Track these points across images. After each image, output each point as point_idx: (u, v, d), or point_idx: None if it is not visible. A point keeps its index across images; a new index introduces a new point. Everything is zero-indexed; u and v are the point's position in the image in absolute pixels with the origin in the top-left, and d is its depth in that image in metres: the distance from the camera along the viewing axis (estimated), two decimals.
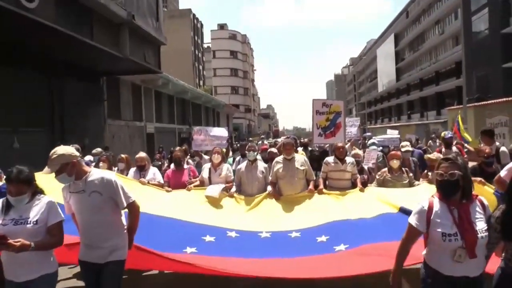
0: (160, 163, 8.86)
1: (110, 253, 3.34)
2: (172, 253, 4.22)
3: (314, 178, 6.15)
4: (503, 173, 4.55)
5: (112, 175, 3.47)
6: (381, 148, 10.31)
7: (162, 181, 6.53)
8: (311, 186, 5.82)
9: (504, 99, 16.78)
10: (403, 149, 7.03)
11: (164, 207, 5.33)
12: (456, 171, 2.72)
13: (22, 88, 12.21)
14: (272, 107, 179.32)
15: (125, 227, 3.52)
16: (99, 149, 8.82)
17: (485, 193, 4.13)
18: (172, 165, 7.41)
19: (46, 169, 3.24)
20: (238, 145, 14.62)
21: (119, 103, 20.72)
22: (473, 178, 4.45)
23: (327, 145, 9.77)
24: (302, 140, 14.13)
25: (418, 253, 2.98)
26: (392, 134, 14.30)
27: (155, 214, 5.03)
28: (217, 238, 4.74)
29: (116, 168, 6.84)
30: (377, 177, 6.35)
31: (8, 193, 3.09)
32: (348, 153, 6.88)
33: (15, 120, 11.88)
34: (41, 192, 3.23)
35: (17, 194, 3.05)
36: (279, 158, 6.12)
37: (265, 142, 16.92)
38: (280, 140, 14.43)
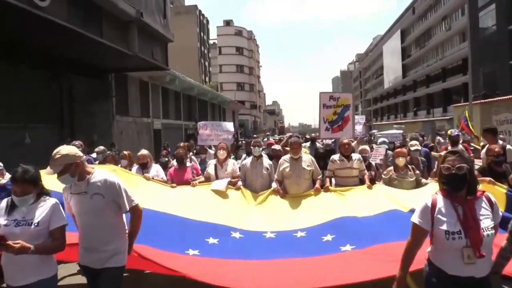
0: (166, 159, 8.79)
1: (110, 257, 3.21)
2: (174, 253, 4.24)
3: (321, 176, 6.09)
4: None
5: (115, 177, 3.35)
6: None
7: (165, 179, 6.44)
8: (317, 185, 5.75)
9: (511, 96, 16.71)
10: (412, 148, 6.82)
11: (169, 203, 5.28)
12: (464, 165, 2.57)
13: (33, 85, 12.44)
14: (277, 104, 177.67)
15: (127, 230, 3.39)
16: (101, 147, 8.77)
17: (496, 193, 4.04)
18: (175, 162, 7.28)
19: (48, 169, 3.12)
20: (244, 142, 14.49)
21: (127, 100, 20.91)
22: (482, 178, 4.49)
23: (333, 144, 9.65)
24: (308, 136, 14.18)
25: (422, 256, 2.80)
26: (395, 131, 14.31)
27: (159, 211, 4.98)
28: (221, 240, 4.68)
29: (119, 165, 6.74)
30: (383, 176, 6.23)
31: (13, 193, 2.99)
32: (355, 151, 6.89)
33: (26, 117, 12.14)
34: (47, 193, 3.13)
35: (22, 194, 2.95)
36: (286, 157, 6.04)
37: (270, 138, 16.92)
38: (285, 136, 14.47)
